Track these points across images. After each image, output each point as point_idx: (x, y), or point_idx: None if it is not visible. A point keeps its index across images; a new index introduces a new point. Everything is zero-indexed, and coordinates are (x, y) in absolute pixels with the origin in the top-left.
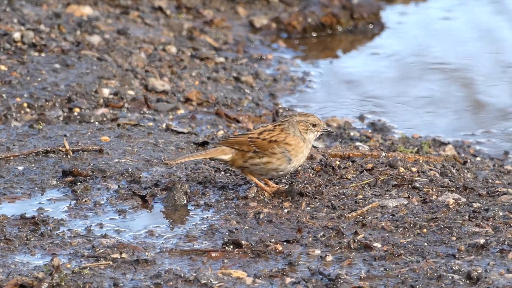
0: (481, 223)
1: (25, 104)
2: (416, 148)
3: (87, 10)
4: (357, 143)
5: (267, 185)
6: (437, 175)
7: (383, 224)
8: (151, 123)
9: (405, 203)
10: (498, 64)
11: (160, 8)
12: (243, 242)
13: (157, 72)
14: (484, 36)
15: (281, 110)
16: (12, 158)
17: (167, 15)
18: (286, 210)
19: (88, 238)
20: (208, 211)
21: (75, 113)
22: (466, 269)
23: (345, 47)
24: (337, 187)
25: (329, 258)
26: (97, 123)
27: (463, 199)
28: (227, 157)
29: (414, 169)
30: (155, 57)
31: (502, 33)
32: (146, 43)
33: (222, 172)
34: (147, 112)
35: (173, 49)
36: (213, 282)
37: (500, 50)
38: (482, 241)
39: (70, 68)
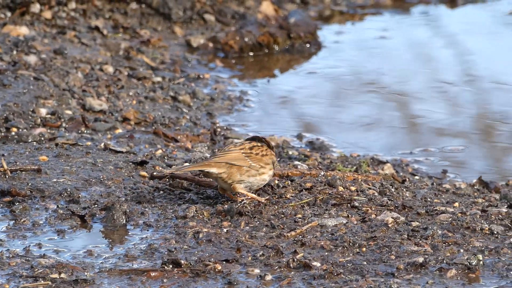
0: (420, 241)
1: None
2: (354, 167)
3: (23, 30)
4: (296, 162)
5: (248, 197)
6: (376, 194)
7: (322, 243)
8: (89, 143)
9: (344, 222)
10: (433, 82)
11: (97, 28)
12: (182, 261)
13: (95, 91)
14: (419, 55)
15: (219, 129)
16: None
17: (104, 34)
18: (225, 230)
19: (27, 258)
20: (147, 230)
21: (13, 133)
22: (405, 287)
23: (282, 66)
24: (276, 207)
25: (269, 277)
26: (35, 142)
27: (402, 218)
28: (222, 171)
29: (353, 188)
30: (92, 77)
31: (436, 53)
32: (83, 62)
33: (161, 192)
34: (85, 131)
35: (110, 69)
36: None
37: (434, 69)
38: (420, 259)
39: (7, 88)
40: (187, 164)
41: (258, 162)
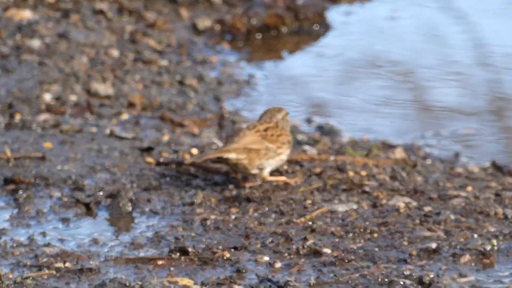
0: (433, 227)
1: None
2: (365, 152)
3: (27, 14)
4: (305, 147)
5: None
6: (387, 178)
7: (332, 229)
8: (94, 129)
9: (355, 207)
10: (444, 63)
11: (101, 11)
12: (189, 249)
13: (100, 76)
14: (430, 35)
15: (226, 114)
16: None
17: (109, 18)
18: (233, 217)
19: (31, 247)
20: (154, 218)
21: (16, 120)
22: (417, 274)
23: (290, 48)
24: (285, 192)
25: (278, 264)
26: (39, 129)
27: (414, 203)
28: (242, 157)
29: (363, 173)
30: (97, 61)
31: (448, 33)
32: (87, 47)
33: (168, 178)
34: (90, 117)
35: (115, 53)
36: None
37: (446, 50)
38: (433, 245)
39: (10, 73)
40: (207, 151)
41: (275, 142)
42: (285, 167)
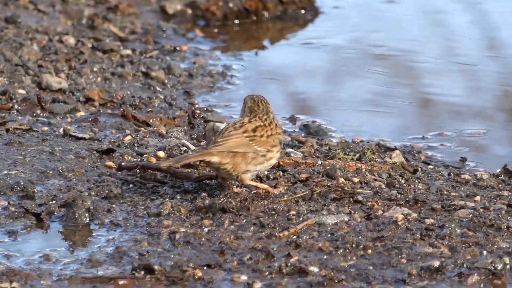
0: (435, 242)
1: None
2: (357, 155)
3: None
4: (289, 149)
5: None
6: (383, 186)
7: (320, 244)
8: (46, 128)
9: (346, 219)
10: (449, 53)
11: None
12: (156, 267)
13: (53, 67)
14: (433, 21)
15: (198, 111)
16: None
17: (64, 0)
18: (206, 229)
19: None
20: (115, 231)
21: None
22: None
23: (273, 36)
24: (265, 202)
25: (258, 285)
26: None
27: (414, 214)
28: (225, 161)
29: (355, 180)
30: (50, 50)
31: (452, 18)
32: (39, 33)
33: (131, 185)
34: (41, 114)
35: (71, 40)
36: None
37: (450, 37)
38: (436, 263)
39: None
40: (186, 154)
41: (264, 145)
42: (266, 172)
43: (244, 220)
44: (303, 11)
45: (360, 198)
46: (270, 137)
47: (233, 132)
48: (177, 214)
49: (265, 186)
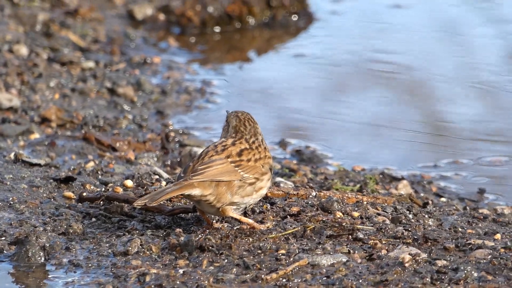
0: (449, 287)
1: None
2: (358, 185)
3: None
4: (278, 179)
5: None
6: (388, 221)
7: None
8: None
9: (344, 260)
10: (464, 69)
11: None
12: None
13: (2, 81)
14: (446, 30)
15: (172, 134)
16: None
17: (15, 2)
18: (181, 271)
19: None
20: (75, 272)
21: None
22: None
23: (260, 46)
24: (250, 239)
25: None
26: None
27: (424, 255)
28: (207, 192)
29: (355, 214)
30: None
31: (469, 28)
32: None
33: (94, 219)
34: None
35: (23, 50)
36: None
37: (467, 51)
38: None
39: None
40: (162, 188)
41: (252, 171)
42: (250, 206)
43: (226, 260)
44: (294, 17)
45: (360, 235)
46: (258, 161)
47: (215, 157)
48: (148, 253)
49: (250, 221)
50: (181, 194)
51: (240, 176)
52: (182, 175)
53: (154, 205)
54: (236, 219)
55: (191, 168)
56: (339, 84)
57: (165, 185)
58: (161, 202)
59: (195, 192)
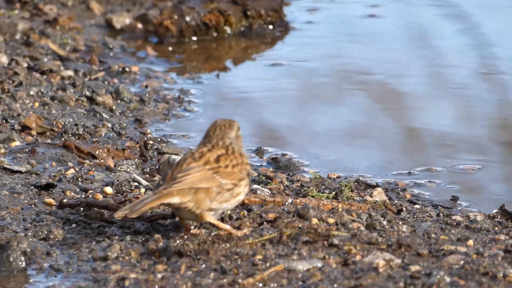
0: None
1: None
2: (333, 192)
3: None
4: (255, 186)
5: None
6: (362, 228)
7: None
8: None
9: (320, 265)
10: (438, 76)
11: None
12: None
13: None
14: (419, 39)
15: (151, 142)
16: None
17: None
18: (159, 276)
19: None
20: (55, 276)
21: None
22: None
23: (237, 55)
24: (227, 245)
25: None
26: None
27: (397, 260)
28: (186, 199)
29: (331, 220)
30: None
31: (441, 36)
32: None
33: (74, 225)
34: None
35: (3, 59)
36: None
37: (439, 58)
38: None
39: None
40: (142, 198)
41: (230, 177)
42: (228, 211)
43: (203, 265)
44: (271, 27)
45: (335, 241)
46: (236, 167)
47: (194, 164)
48: (127, 258)
49: (227, 227)
50: (161, 203)
51: (218, 183)
52: (161, 182)
53: (134, 216)
54: (214, 225)
55: (170, 176)
56: (315, 92)
57: (144, 193)
58: None
59: (174, 200)
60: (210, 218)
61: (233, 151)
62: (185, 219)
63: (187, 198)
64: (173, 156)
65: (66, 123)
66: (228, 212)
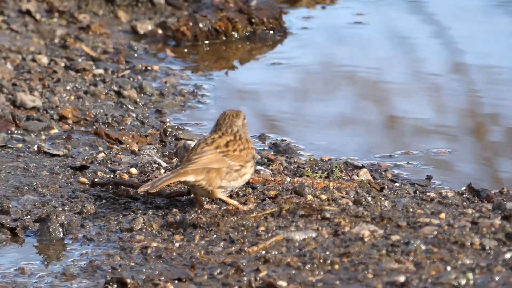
0: (401, 258)
1: None
2: (325, 173)
3: None
4: (258, 167)
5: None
6: (350, 203)
7: (288, 259)
8: (20, 145)
9: (314, 235)
10: (416, 74)
11: (28, 12)
12: (128, 280)
13: (27, 85)
14: (400, 43)
15: (169, 129)
16: None
17: (37, 20)
18: (177, 244)
19: None
20: (88, 245)
21: None
22: None
23: (242, 56)
24: (235, 218)
25: None
26: None
27: (380, 231)
28: (200, 178)
29: (323, 197)
30: (23, 69)
31: (419, 40)
32: (12, 52)
33: (104, 201)
34: (16, 131)
35: (44, 59)
36: None
37: (417, 59)
38: (402, 278)
39: None
40: (162, 176)
41: (238, 159)
42: (236, 189)
43: (214, 236)
44: (272, 32)
45: (327, 215)
46: (243, 151)
47: (206, 148)
48: (149, 229)
49: (235, 202)
50: (178, 181)
51: (228, 164)
52: (178, 164)
53: (154, 191)
54: (223, 201)
55: (186, 158)
56: (309, 87)
57: (164, 173)
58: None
59: (190, 178)
60: (220, 194)
61: (240, 137)
62: (199, 196)
63: (200, 177)
64: (189, 142)
65: (97, 113)
66: (236, 190)
